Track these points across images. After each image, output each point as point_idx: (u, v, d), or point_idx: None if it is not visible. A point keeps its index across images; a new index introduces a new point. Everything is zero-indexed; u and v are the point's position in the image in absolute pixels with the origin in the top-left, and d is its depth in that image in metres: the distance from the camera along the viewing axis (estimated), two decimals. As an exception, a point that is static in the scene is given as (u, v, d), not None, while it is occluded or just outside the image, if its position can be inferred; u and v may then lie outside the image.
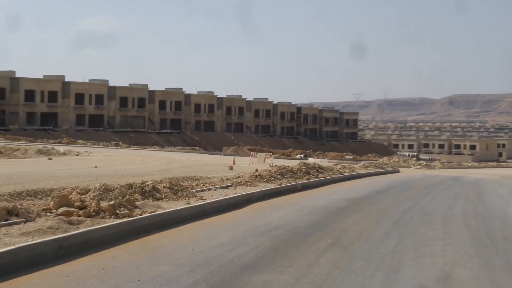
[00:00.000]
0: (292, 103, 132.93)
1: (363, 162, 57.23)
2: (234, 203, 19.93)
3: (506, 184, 37.71)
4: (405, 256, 12.72)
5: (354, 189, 29.08)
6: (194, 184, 24.00)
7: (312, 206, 21.06)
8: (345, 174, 37.83)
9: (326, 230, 15.82)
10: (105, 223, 13.62)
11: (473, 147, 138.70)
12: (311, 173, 32.76)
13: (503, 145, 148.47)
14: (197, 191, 21.42)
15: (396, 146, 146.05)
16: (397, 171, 50.89)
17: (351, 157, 77.41)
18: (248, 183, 25.59)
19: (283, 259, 11.99)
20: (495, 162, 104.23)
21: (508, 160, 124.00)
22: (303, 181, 29.29)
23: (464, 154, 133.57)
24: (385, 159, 73.12)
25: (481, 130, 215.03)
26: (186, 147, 77.48)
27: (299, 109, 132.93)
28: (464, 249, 13.63)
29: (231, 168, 35.24)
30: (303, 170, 32.40)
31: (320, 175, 33.11)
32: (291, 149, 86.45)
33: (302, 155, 72.56)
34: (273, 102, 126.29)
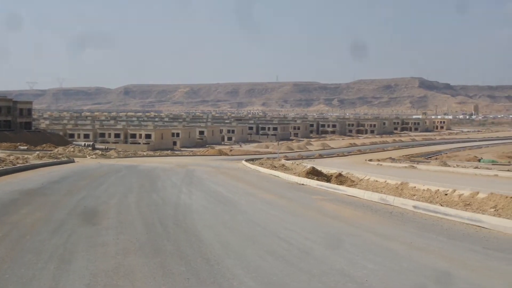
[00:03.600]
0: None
1: (38, 152, 55.88)
2: None
3: (179, 172, 39.38)
4: (78, 247, 12.73)
5: (28, 180, 28.30)
6: None
7: (-19, 200, 20.10)
8: (19, 165, 36.63)
9: (-4, 224, 15.19)
10: None
11: (148, 136, 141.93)
12: (-19, 164, 31.21)
13: (177, 134, 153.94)
14: None
15: (72, 135, 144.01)
16: (73, 161, 50.54)
17: (26, 147, 74.85)
18: None
19: None
20: (169, 151, 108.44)
21: (182, 149, 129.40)
22: (-28, 173, 27.78)
23: (140, 143, 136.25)
24: (60, 149, 72.07)
25: (156, 119, 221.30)
26: None
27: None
28: (137, 237, 14.01)
29: None
30: (-28, 161, 30.74)
31: (-9, 167, 31.68)
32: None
33: (-29, 146, 68.52)
34: None
